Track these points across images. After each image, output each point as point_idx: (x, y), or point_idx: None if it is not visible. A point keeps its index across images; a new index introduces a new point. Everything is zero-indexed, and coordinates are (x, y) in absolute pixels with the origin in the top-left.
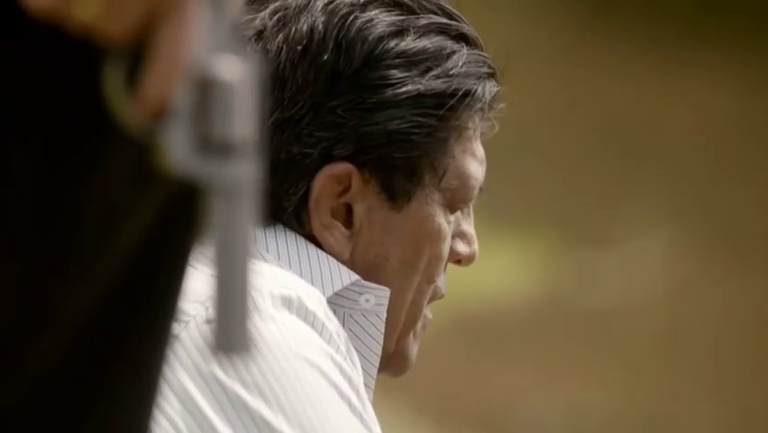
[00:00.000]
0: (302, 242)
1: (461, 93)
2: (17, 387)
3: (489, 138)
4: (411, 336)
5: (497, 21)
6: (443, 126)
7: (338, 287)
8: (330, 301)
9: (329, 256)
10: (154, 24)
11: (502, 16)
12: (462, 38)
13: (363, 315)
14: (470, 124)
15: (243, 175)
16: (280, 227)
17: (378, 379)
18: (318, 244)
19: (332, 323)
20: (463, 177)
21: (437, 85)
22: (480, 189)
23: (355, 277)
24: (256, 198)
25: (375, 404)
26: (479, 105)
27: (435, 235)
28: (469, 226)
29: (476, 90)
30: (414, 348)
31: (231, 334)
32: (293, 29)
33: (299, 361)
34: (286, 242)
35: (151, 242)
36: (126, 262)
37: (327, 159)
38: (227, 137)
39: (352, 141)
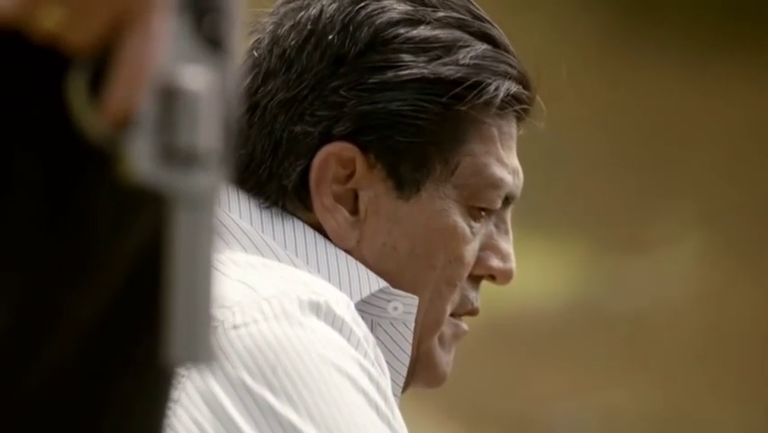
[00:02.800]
0: (331, 247)
1: (469, 83)
2: (28, 389)
3: (518, 142)
4: (436, 341)
5: (527, 28)
6: (451, 116)
7: (366, 293)
8: (357, 309)
9: (358, 263)
10: (119, 33)
11: (533, 21)
12: (486, 38)
13: (392, 323)
14: (489, 121)
15: (208, 185)
16: (309, 231)
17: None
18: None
19: (360, 328)
20: (483, 176)
21: (444, 71)
22: (511, 200)
23: (384, 284)
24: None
25: (406, 408)
26: (493, 101)
27: (450, 233)
28: (505, 244)
29: (488, 84)
30: (442, 356)
31: (192, 344)
32: (303, 13)
33: (327, 366)
34: (315, 246)
35: (160, 242)
36: (134, 263)
37: (327, 137)
38: (192, 147)
39: (351, 119)
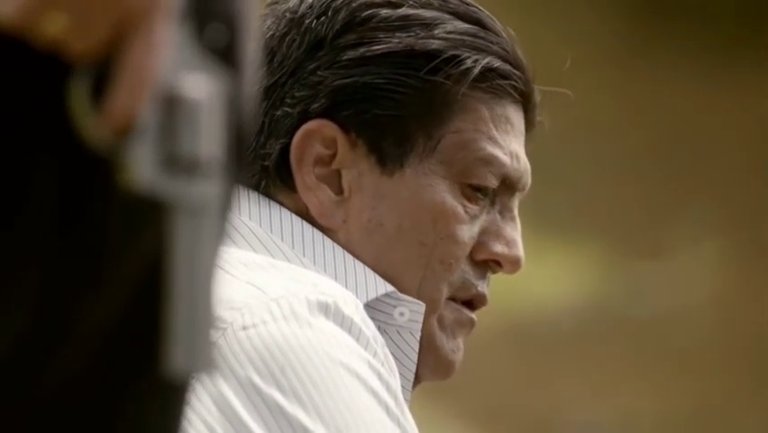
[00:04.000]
0: (339, 249)
1: (446, 55)
2: (42, 395)
3: (537, 145)
4: (435, 323)
5: (543, 37)
6: (430, 89)
7: (372, 295)
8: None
9: (366, 267)
10: (122, 40)
11: (550, 29)
12: (473, 20)
13: (398, 331)
14: (477, 100)
15: (209, 193)
16: (318, 233)
17: (426, 385)
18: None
19: (369, 329)
20: (471, 151)
21: (419, 44)
22: (513, 186)
23: (390, 288)
24: (221, 216)
25: (422, 409)
26: (470, 72)
27: (438, 209)
28: (510, 230)
29: (466, 57)
30: (444, 340)
31: (192, 353)
32: (284, 6)
33: (336, 367)
34: (323, 248)
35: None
36: (146, 270)
37: (306, 116)
38: (193, 155)
39: (327, 95)
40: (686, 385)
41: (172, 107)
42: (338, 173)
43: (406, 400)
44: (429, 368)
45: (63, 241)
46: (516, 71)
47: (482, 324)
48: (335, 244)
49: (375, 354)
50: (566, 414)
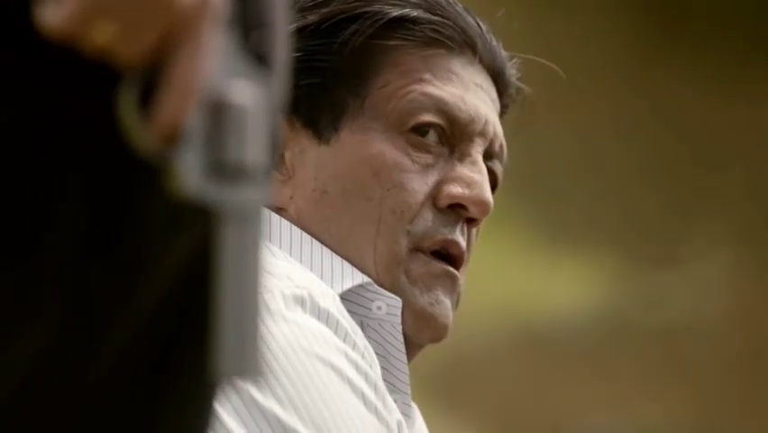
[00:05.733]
0: (317, 244)
1: (355, 12)
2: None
3: (550, 157)
4: (402, 276)
5: (559, 42)
6: (347, 50)
7: (348, 285)
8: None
9: (343, 260)
10: (169, 48)
11: (565, 35)
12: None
13: (380, 324)
14: (404, 52)
15: (255, 200)
16: (294, 226)
17: (441, 393)
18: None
19: (346, 320)
20: (402, 99)
21: (330, 12)
22: (466, 130)
23: (366, 279)
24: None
25: (440, 418)
26: (381, 21)
27: (379, 161)
28: (471, 173)
29: (375, 12)
30: (418, 295)
31: (240, 358)
32: None
33: (311, 358)
34: (301, 240)
35: (206, 255)
36: (180, 277)
37: None
38: (240, 162)
39: None
40: (700, 395)
41: (219, 114)
42: (282, 156)
43: (408, 404)
44: (411, 328)
45: (101, 246)
46: (436, 17)
47: (498, 333)
48: (312, 238)
49: (355, 346)
50: (581, 423)
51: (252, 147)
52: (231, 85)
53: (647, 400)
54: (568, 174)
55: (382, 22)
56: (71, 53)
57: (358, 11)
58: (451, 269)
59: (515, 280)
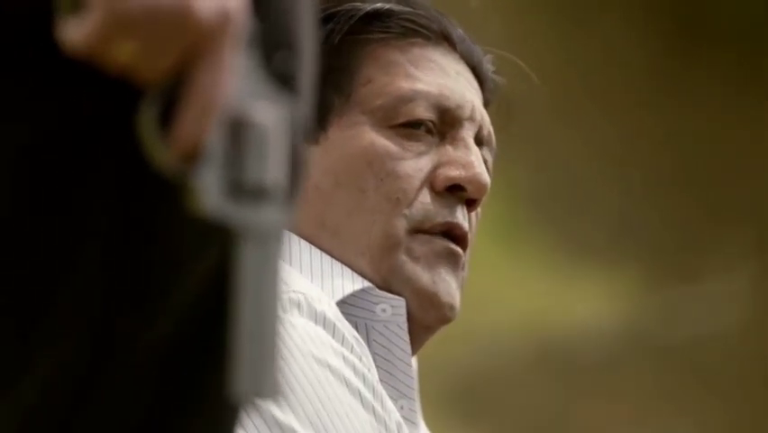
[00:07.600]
0: (315, 250)
1: (329, 12)
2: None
3: (569, 171)
4: (402, 256)
5: (580, 55)
6: (326, 50)
7: (349, 290)
8: (347, 313)
9: (343, 265)
10: (190, 66)
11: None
12: None
13: (385, 326)
14: (383, 46)
15: (274, 220)
16: (292, 236)
17: (462, 408)
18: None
19: (343, 324)
20: (389, 94)
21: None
22: (454, 116)
23: (367, 284)
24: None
25: (454, 432)
26: (352, 21)
27: (370, 153)
28: (464, 155)
29: (347, 10)
30: (420, 272)
31: (259, 377)
32: None
33: (308, 359)
34: (299, 247)
35: (226, 273)
36: (200, 294)
37: None
38: (260, 182)
39: None
40: (721, 409)
41: (240, 133)
42: None
43: (414, 410)
44: (417, 309)
45: (125, 263)
46: (409, 8)
47: (520, 350)
48: (311, 246)
49: (352, 349)
50: None
51: (273, 167)
52: (252, 104)
53: (675, 414)
54: (587, 190)
55: (357, 17)
56: (93, 70)
57: (331, 10)
58: (454, 246)
59: (536, 298)
